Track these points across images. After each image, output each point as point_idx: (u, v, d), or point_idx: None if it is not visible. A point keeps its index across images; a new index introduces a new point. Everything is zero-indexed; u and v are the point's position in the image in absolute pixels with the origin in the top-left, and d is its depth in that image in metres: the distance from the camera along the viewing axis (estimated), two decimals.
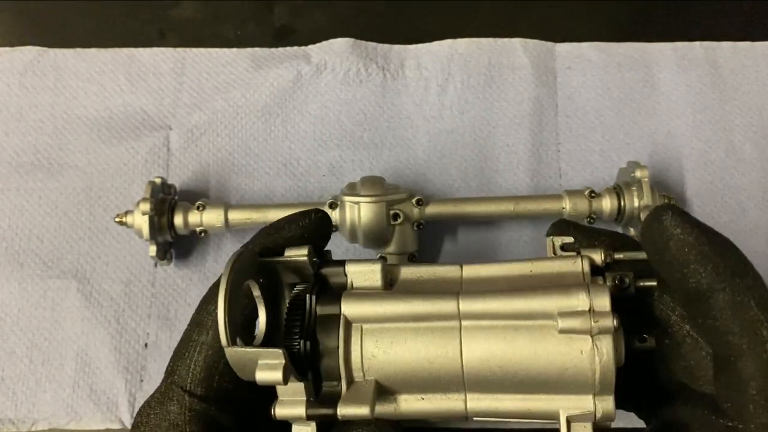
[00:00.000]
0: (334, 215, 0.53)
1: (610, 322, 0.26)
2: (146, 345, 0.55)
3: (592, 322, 0.26)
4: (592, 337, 0.26)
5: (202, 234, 0.54)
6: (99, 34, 0.64)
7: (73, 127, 0.60)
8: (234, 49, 0.63)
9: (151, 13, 0.65)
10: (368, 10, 0.65)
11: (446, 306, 0.27)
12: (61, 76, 0.62)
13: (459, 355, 0.27)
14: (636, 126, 0.60)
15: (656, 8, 0.65)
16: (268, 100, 0.61)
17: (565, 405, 0.27)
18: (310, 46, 0.63)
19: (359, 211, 0.51)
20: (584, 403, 0.26)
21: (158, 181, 0.54)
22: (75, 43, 0.63)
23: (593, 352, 0.26)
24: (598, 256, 0.29)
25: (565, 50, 0.62)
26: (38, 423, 0.53)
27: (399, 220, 0.52)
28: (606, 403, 0.26)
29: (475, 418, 0.28)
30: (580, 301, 0.26)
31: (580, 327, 0.26)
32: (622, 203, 0.53)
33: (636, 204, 0.52)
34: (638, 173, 0.53)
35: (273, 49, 0.63)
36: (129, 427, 0.53)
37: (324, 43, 0.62)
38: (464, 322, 0.27)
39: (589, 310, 0.26)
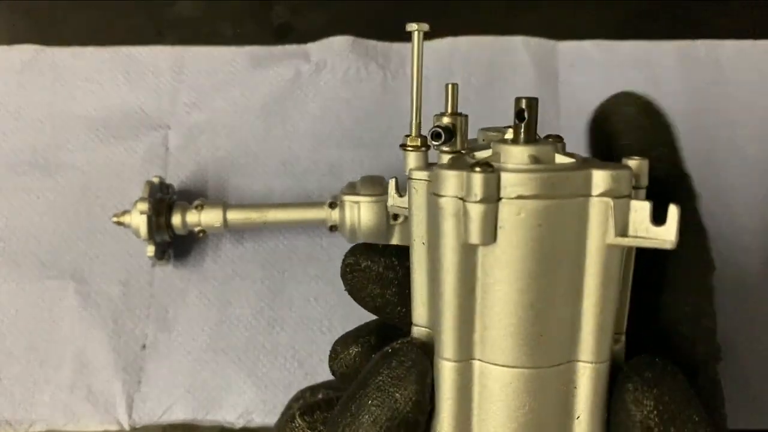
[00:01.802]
0: (334, 215, 0.52)
1: None
2: (144, 346, 0.55)
3: None
4: None
5: (201, 234, 0.54)
6: (97, 32, 0.63)
7: (70, 126, 0.60)
8: (233, 48, 0.62)
9: (149, 11, 0.64)
10: (368, 8, 0.65)
11: None
12: (58, 74, 0.61)
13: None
14: None
15: (659, 6, 0.64)
16: (267, 99, 0.61)
17: None
18: (310, 45, 0.62)
19: (359, 210, 0.51)
20: None
21: (156, 180, 0.54)
22: (73, 41, 0.62)
23: None
24: None
25: (567, 48, 0.62)
26: (36, 424, 0.53)
27: (399, 220, 0.52)
28: None
29: None
30: None
31: None
32: None
33: None
34: None
35: (272, 48, 0.62)
36: (127, 428, 0.53)
37: (323, 41, 0.62)
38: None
39: None
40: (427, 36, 0.64)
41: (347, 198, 0.52)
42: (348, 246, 0.55)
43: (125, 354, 0.54)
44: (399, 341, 0.26)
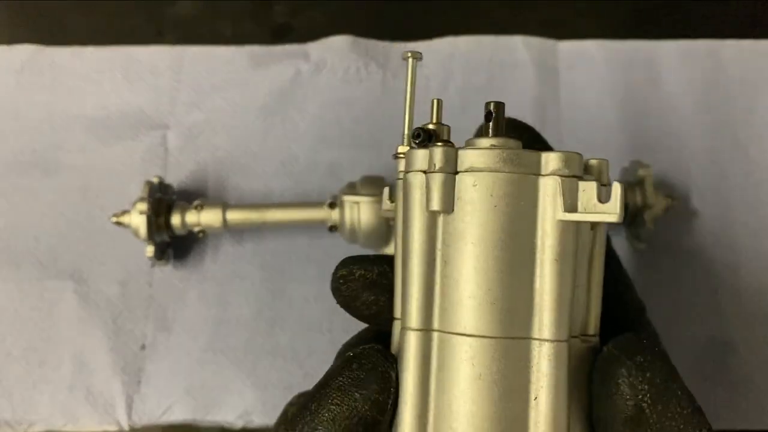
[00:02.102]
0: (334, 215, 0.52)
1: None
2: (143, 347, 0.54)
3: None
4: None
5: (201, 234, 0.54)
6: (96, 32, 0.63)
7: (69, 126, 0.60)
8: (232, 47, 0.62)
9: (148, 11, 0.64)
10: (368, 8, 0.64)
11: None
12: (57, 74, 0.61)
13: None
14: (639, 124, 0.60)
15: (660, 6, 0.64)
16: (266, 99, 0.60)
17: None
18: (309, 44, 0.62)
19: (359, 210, 0.51)
20: None
21: (156, 180, 0.54)
22: (72, 41, 0.62)
23: None
24: None
25: (568, 48, 0.62)
26: (35, 425, 0.53)
27: None
28: None
29: None
30: None
31: None
32: (626, 202, 0.52)
33: (639, 203, 0.52)
34: (641, 172, 0.52)
35: (272, 47, 0.62)
36: (126, 429, 0.52)
37: (323, 40, 0.62)
38: None
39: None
40: (427, 36, 0.64)
41: (347, 198, 0.51)
42: (347, 246, 0.55)
43: (124, 354, 0.54)
44: (362, 347, 0.26)
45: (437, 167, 0.24)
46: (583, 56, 0.62)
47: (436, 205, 0.24)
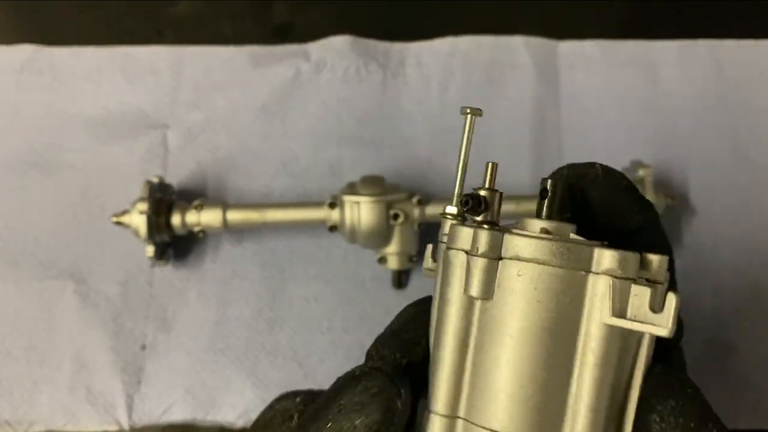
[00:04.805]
0: (334, 215, 0.52)
1: None
2: (144, 346, 0.54)
3: None
4: None
5: (201, 234, 0.54)
6: (96, 32, 0.63)
7: (69, 126, 0.60)
8: (232, 47, 0.62)
9: (148, 11, 0.64)
10: (368, 8, 0.64)
11: None
12: (57, 74, 0.61)
13: None
14: (639, 125, 0.60)
15: (659, 6, 0.64)
16: (266, 99, 0.60)
17: None
18: (310, 44, 0.62)
19: (359, 210, 0.51)
20: None
21: (156, 180, 0.54)
22: (72, 41, 0.62)
23: None
24: None
25: (568, 48, 0.62)
26: (35, 424, 0.53)
27: (399, 220, 0.52)
28: None
29: None
30: None
31: None
32: None
33: None
34: (641, 172, 0.52)
35: (272, 47, 0.62)
36: (126, 428, 0.52)
37: (323, 40, 0.62)
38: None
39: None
40: (427, 36, 0.64)
41: (347, 198, 0.52)
42: (347, 246, 0.55)
43: (124, 354, 0.54)
44: (370, 365, 0.25)
45: (480, 252, 0.23)
46: (583, 56, 0.62)
47: (474, 292, 0.23)
